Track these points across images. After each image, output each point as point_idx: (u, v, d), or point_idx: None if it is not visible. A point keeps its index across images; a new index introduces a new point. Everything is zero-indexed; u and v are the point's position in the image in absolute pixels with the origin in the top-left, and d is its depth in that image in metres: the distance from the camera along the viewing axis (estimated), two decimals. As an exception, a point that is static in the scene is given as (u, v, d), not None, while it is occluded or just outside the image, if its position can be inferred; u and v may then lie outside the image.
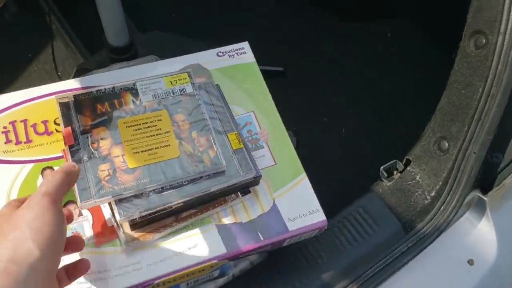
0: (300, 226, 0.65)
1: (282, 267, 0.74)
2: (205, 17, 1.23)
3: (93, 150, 0.61)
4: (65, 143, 0.61)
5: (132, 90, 0.66)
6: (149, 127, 0.64)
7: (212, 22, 1.23)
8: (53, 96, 0.66)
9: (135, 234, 0.60)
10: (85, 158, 0.60)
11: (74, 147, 0.61)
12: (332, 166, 1.02)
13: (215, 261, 0.61)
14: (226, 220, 0.64)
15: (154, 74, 0.72)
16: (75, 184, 0.56)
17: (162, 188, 0.60)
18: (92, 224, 0.61)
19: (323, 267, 0.73)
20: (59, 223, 0.47)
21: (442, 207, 0.78)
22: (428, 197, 0.80)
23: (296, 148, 1.00)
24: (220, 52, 0.77)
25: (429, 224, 0.78)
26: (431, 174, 0.80)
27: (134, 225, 0.60)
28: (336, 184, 0.98)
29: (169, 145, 0.63)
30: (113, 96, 0.65)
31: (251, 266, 0.74)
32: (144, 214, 0.59)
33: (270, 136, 0.71)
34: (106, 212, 0.62)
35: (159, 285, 0.60)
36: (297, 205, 0.66)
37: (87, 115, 0.63)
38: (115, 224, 0.60)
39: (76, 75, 0.98)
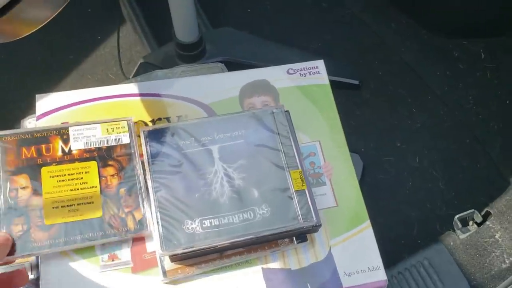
0: (356, 284, 0.57)
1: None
2: (281, 15, 1.15)
3: (10, 200, 0.56)
4: None
5: (63, 135, 0.60)
6: (74, 179, 0.58)
7: (288, 22, 1.15)
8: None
9: (175, 266, 0.55)
10: (1, 207, 0.55)
11: None
12: (397, 200, 0.93)
13: (256, 309, 0.55)
14: (274, 264, 0.57)
15: (218, 87, 0.67)
16: None
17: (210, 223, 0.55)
18: (131, 248, 0.57)
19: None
20: None
21: (522, 275, 0.68)
22: (507, 261, 0.70)
23: (362, 174, 0.93)
24: (291, 69, 0.70)
25: (504, 291, 0.68)
26: (514, 235, 0.70)
27: (174, 257, 0.55)
28: (398, 223, 0.89)
29: (93, 202, 0.57)
30: (41, 141, 0.59)
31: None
32: (187, 251, 0.53)
33: (335, 172, 0.63)
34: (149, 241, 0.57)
35: (192, 326, 0.55)
36: (356, 258, 0.59)
37: (10, 159, 0.57)
38: (157, 253, 0.56)
39: (139, 69, 0.94)
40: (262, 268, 0.57)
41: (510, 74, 1.09)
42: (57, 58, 1.10)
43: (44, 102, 0.65)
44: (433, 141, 1.01)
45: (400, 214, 0.91)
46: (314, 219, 0.56)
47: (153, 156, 0.57)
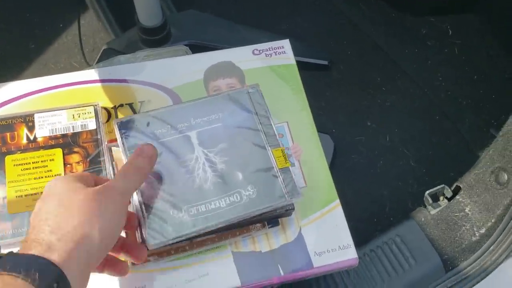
0: (327, 263, 0.57)
1: (303, 295, 0.67)
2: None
3: None
4: None
5: (28, 122, 0.58)
6: (38, 167, 0.56)
7: (255, 3, 1.13)
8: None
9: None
10: None
11: None
12: (368, 179, 0.93)
13: (227, 293, 0.55)
14: (244, 248, 0.57)
15: (183, 70, 0.65)
16: None
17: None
18: (96, 238, 0.55)
19: (349, 301, 0.66)
20: (122, 221, 0.46)
21: (492, 247, 0.69)
22: (477, 234, 0.70)
23: (333, 155, 0.93)
24: (257, 49, 0.68)
25: (474, 264, 0.69)
26: (483, 208, 0.71)
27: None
28: (371, 202, 0.89)
29: None
30: (6, 128, 0.58)
31: (270, 290, 0.67)
32: (177, 240, 0.51)
33: (304, 153, 0.63)
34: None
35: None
36: (326, 238, 0.58)
37: None
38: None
39: (102, 55, 0.92)
40: (232, 251, 0.56)
41: (477, 50, 1.10)
42: (18, 47, 1.06)
43: (4, 91, 0.62)
44: (404, 119, 1.01)
45: (372, 193, 0.91)
46: (300, 195, 0.54)
47: (130, 148, 0.54)
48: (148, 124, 0.56)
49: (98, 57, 0.92)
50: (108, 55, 0.88)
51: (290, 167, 0.56)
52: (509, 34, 1.07)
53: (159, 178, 0.53)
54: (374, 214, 0.86)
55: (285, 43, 0.69)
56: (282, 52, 0.69)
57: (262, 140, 0.57)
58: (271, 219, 0.57)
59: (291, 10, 1.13)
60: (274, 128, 0.58)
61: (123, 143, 0.54)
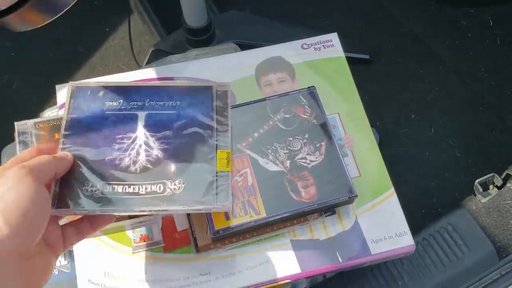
0: (384, 250, 0.58)
1: (358, 284, 0.68)
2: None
3: None
4: None
5: None
6: None
7: (294, 1, 1.15)
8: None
9: (208, 242, 0.56)
10: None
11: None
12: (415, 171, 0.93)
13: (287, 280, 0.56)
14: (302, 236, 0.58)
15: (233, 66, 0.68)
16: None
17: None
18: (162, 228, 0.58)
19: (404, 290, 0.67)
20: (40, 199, 0.41)
21: (546, 234, 0.69)
22: (531, 221, 0.70)
23: (379, 147, 0.93)
24: (305, 44, 0.70)
25: (529, 251, 0.69)
26: (536, 195, 0.70)
27: (217, 237, 0.56)
28: (418, 193, 0.90)
29: None
30: None
31: (323, 279, 0.69)
32: (78, 213, 0.49)
33: (356, 143, 0.64)
34: (177, 218, 0.58)
35: (227, 300, 0.56)
36: (383, 225, 0.59)
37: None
38: (190, 230, 0.57)
39: (151, 57, 0.95)
40: (291, 240, 0.58)
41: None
42: (67, 52, 1.11)
43: (64, 92, 0.65)
44: (447, 111, 1.01)
45: (419, 184, 0.91)
46: (229, 203, 0.51)
47: (73, 113, 0.55)
48: (102, 93, 0.56)
49: (147, 58, 0.95)
50: (156, 56, 0.91)
51: (230, 173, 0.53)
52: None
53: (88, 147, 0.52)
54: (422, 205, 0.86)
55: (333, 37, 0.71)
56: (330, 46, 0.70)
57: (211, 138, 0.55)
58: (332, 206, 0.58)
59: (330, 6, 1.15)
60: (230, 130, 0.56)
61: (68, 107, 0.55)
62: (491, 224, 0.71)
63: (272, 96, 0.62)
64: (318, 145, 0.59)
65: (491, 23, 1.13)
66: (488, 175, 0.76)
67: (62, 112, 0.63)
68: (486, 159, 0.91)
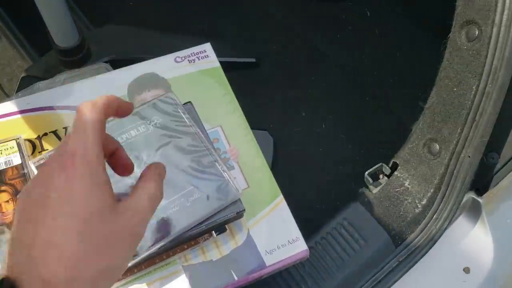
0: (279, 260, 0.57)
1: (262, 294, 0.67)
2: (164, 3, 1.11)
3: None
4: None
5: None
6: None
7: (173, 8, 1.12)
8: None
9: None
10: None
11: None
12: (311, 168, 0.94)
13: (184, 309, 0.54)
14: (194, 260, 0.56)
15: (105, 87, 0.64)
16: None
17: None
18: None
19: (308, 293, 0.66)
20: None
21: (435, 216, 0.71)
22: (419, 206, 0.72)
23: (274, 150, 0.93)
24: (179, 57, 0.67)
25: (421, 235, 0.71)
26: (421, 180, 0.73)
27: None
28: (317, 189, 0.91)
29: None
30: None
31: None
32: None
33: (242, 154, 0.62)
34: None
35: None
36: (275, 234, 0.58)
37: None
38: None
39: (21, 84, 0.88)
40: (183, 265, 0.55)
41: (395, 29, 1.14)
42: None
43: None
44: (336, 105, 1.03)
45: (316, 180, 0.93)
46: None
47: None
48: None
49: (17, 86, 0.88)
50: (27, 82, 0.84)
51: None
52: (423, 12, 1.12)
53: None
54: (321, 201, 0.87)
55: (207, 47, 0.69)
56: (205, 56, 0.68)
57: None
58: (221, 225, 0.56)
59: (210, 11, 1.13)
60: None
61: None
62: (384, 214, 0.73)
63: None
64: (198, 162, 0.57)
65: (369, 14, 1.17)
66: (376, 166, 0.77)
67: None
68: (377, 148, 0.94)
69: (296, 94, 1.04)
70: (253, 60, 1.05)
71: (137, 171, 0.47)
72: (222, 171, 0.55)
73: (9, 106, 0.62)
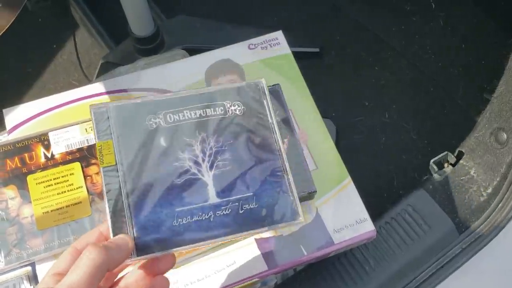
0: (346, 238, 0.59)
1: (327, 274, 0.69)
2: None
3: (0, 212, 0.57)
4: None
5: (44, 141, 0.61)
6: (60, 182, 0.58)
7: (241, 2, 1.15)
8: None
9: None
10: None
11: None
12: (373, 156, 0.96)
13: (255, 279, 0.57)
14: (266, 234, 0.59)
15: (182, 73, 0.68)
16: None
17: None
18: (124, 242, 0.58)
19: (372, 274, 0.68)
20: None
21: (500, 205, 0.71)
22: (484, 194, 0.73)
23: (337, 138, 0.95)
24: (252, 44, 0.71)
25: (486, 223, 0.71)
26: (487, 168, 0.73)
27: None
28: (379, 177, 0.92)
29: (81, 202, 0.58)
30: (24, 150, 0.60)
31: (294, 273, 0.70)
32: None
33: (311, 137, 0.65)
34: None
35: (197, 306, 0.57)
36: (343, 214, 0.61)
37: None
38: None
39: (101, 70, 0.94)
40: (255, 239, 0.59)
41: (460, 20, 1.12)
42: (15, 73, 1.09)
43: (13, 116, 0.65)
44: (399, 94, 1.04)
45: (378, 169, 0.94)
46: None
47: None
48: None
49: (97, 72, 0.94)
50: (106, 68, 0.90)
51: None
52: (491, 2, 1.10)
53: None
54: (383, 189, 0.89)
55: (279, 35, 0.72)
56: (276, 44, 0.71)
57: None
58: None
59: (275, 3, 1.16)
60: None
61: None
62: (448, 201, 0.74)
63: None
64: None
65: (433, 5, 1.16)
66: (442, 154, 0.78)
67: (12, 136, 0.63)
68: (441, 138, 0.94)
69: (359, 84, 1.05)
70: (317, 50, 1.07)
71: (200, 155, 0.50)
72: (288, 186, 0.51)
73: (96, 87, 0.67)
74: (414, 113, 1.01)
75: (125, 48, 0.98)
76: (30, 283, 0.61)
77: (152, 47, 0.95)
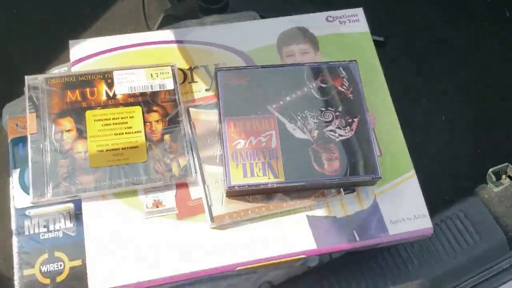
0: (402, 231, 0.57)
1: (366, 264, 0.67)
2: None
3: (55, 142, 0.55)
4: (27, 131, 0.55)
5: (107, 79, 0.59)
6: (118, 123, 0.56)
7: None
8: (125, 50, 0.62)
9: (224, 212, 0.54)
10: (46, 149, 0.54)
11: (35, 136, 0.55)
12: (428, 158, 0.92)
13: (302, 256, 0.55)
14: (319, 212, 0.57)
15: (254, 34, 0.65)
16: (30, 176, 0.52)
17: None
18: (175, 195, 0.56)
19: (413, 274, 0.66)
20: None
21: (559, 227, 0.68)
22: (543, 212, 0.69)
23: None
24: (330, 16, 0.68)
25: (540, 242, 0.68)
26: (550, 187, 0.70)
27: (231, 192, 0.54)
28: (432, 179, 0.88)
29: (137, 147, 0.56)
30: (86, 84, 0.58)
31: (330, 259, 0.68)
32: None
33: (379, 122, 0.62)
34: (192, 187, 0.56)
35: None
36: (402, 207, 0.58)
37: (55, 102, 0.56)
38: (205, 199, 0.55)
39: (162, 22, 0.91)
40: (307, 216, 0.56)
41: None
42: (72, 13, 1.06)
43: (78, 48, 0.63)
44: (458, 98, 1.00)
45: (432, 171, 0.90)
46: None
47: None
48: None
49: (158, 23, 0.92)
50: (168, 22, 0.88)
51: None
52: None
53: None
54: (435, 191, 0.85)
55: (359, 11, 0.69)
56: (356, 20, 0.68)
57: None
58: (353, 185, 0.57)
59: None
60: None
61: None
62: (503, 214, 0.70)
63: (311, 63, 0.60)
64: (350, 120, 0.57)
65: (508, 14, 1.11)
66: (502, 165, 0.74)
67: (75, 69, 0.61)
68: (500, 148, 0.90)
69: (418, 81, 1.01)
70: (381, 39, 1.03)
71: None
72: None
73: (168, 34, 0.65)
74: (474, 119, 0.97)
75: (189, 5, 0.95)
76: (70, 221, 0.59)
77: (217, 7, 0.92)
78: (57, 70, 0.68)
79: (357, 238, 0.56)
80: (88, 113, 0.57)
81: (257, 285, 0.69)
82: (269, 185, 0.53)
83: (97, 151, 0.55)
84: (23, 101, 0.78)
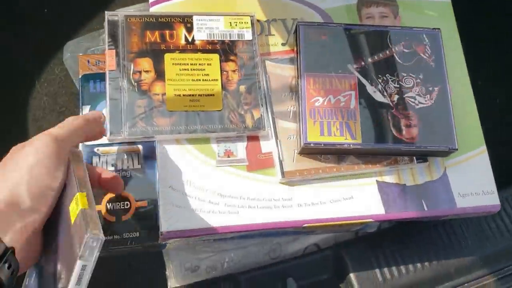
0: (470, 205, 0.56)
1: (418, 236, 0.67)
2: None
3: (133, 82, 0.54)
4: (106, 67, 0.54)
5: (187, 23, 0.57)
6: (196, 69, 0.56)
7: None
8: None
9: (294, 169, 0.54)
10: (124, 87, 0.53)
11: (114, 73, 0.54)
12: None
13: (369, 220, 0.55)
14: (389, 179, 0.56)
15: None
16: (108, 113, 0.52)
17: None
18: (246, 147, 0.55)
19: (465, 251, 0.65)
20: (58, 174, 0.41)
21: None
22: None
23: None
24: (413, -19, 0.66)
25: None
26: None
27: (305, 149, 0.54)
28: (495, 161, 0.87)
29: (213, 95, 0.55)
30: (165, 26, 0.57)
31: (378, 230, 0.68)
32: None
33: (454, 94, 0.61)
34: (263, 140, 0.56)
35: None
36: (471, 181, 0.57)
37: (134, 41, 0.55)
38: (276, 154, 0.54)
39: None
40: (377, 181, 0.56)
41: None
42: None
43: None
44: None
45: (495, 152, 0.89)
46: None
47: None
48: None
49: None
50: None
51: None
52: None
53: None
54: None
55: (442, -20, 0.66)
56: (438, -12, 0.66)
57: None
58: (428, 154, 0.56)
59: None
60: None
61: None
62: None
63: (396, 26, 0.59)
64: (431, 88, 0.56)
65: None
66: None
67: (154, 9, 0.60)
68: None
69: (478, 60, 0.98)
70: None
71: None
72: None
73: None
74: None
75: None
76: (138, 162, 0.59)
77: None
78: (133, 10, 0.67)
79: (426, 208, 0.55)
80: (167, 56, 0.56)
81: (304, 245, 0.69)
82: (345, 145, 0.53)
83: (175, 95, 0.54)
84: (83, 40, 0.77)
